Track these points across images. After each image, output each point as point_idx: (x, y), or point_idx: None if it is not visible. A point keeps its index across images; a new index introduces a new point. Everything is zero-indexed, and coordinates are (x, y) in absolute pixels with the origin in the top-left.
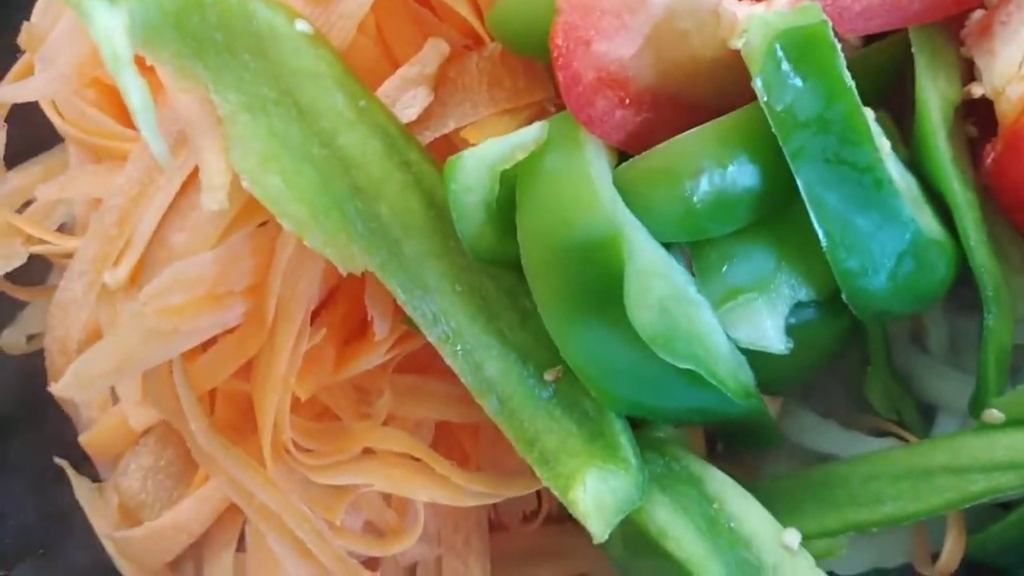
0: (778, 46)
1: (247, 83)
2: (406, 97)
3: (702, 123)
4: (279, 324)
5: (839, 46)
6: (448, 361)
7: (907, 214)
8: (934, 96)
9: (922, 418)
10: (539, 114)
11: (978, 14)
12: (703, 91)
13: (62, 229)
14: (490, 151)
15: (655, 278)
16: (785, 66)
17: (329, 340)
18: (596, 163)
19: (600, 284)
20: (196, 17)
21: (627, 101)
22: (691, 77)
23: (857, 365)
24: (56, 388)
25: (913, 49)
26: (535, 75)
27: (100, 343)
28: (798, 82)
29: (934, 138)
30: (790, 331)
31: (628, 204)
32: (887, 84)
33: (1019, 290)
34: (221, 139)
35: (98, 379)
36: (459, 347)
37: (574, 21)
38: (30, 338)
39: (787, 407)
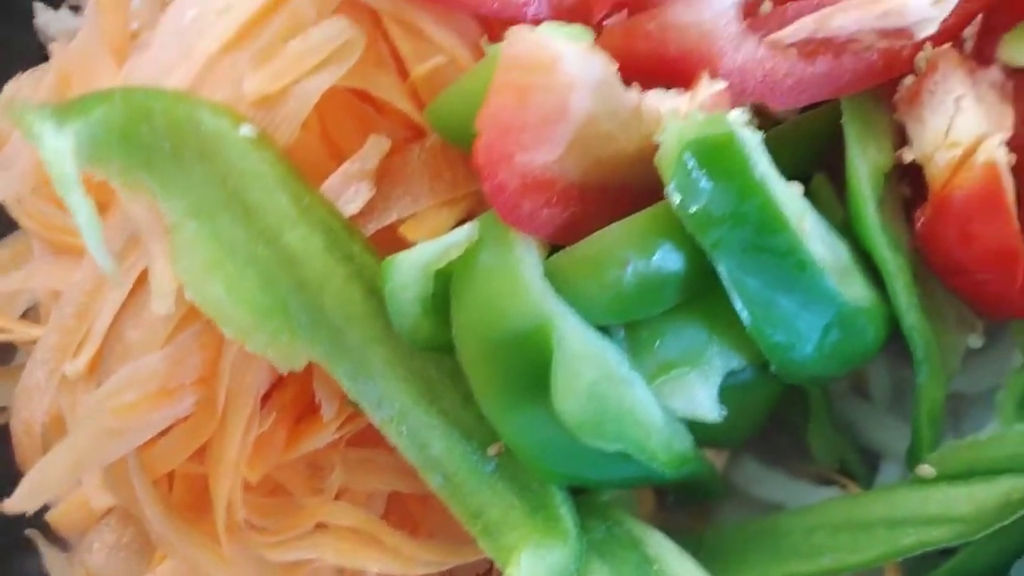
0: (687, 154)
1: (194, 187)
2: (348, 192)
3: (632, 207)
4: (229, 413)
5: (753, 144)
6: (393, 441)
7: (831, 290)
8: (863, 167)
9: (867, 464)
10: (477, 204)
11: (909, 80)
12: (631, 178)
13: (28, 312)
14: (424, 253)
15: (584, 364)
16: (696, 173)
17: (280, 422)
18: (526, 259)
19: (532, 373)
20: (144, 127)
21: (554, 200)
22: (618, 168)
23: (801, 414)
24: (8, 505)
25: (843, 120)
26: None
27: (52, 453)
28: (709, 185)
29: (863, 207)
30: (727, 393)
31: (560, 292)
32: (824, 147)
33: (953, 347)
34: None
35: (52, 487)
36: (404, 427)
37: (494, 140)
38: (1, 411)
39: (734, 457)
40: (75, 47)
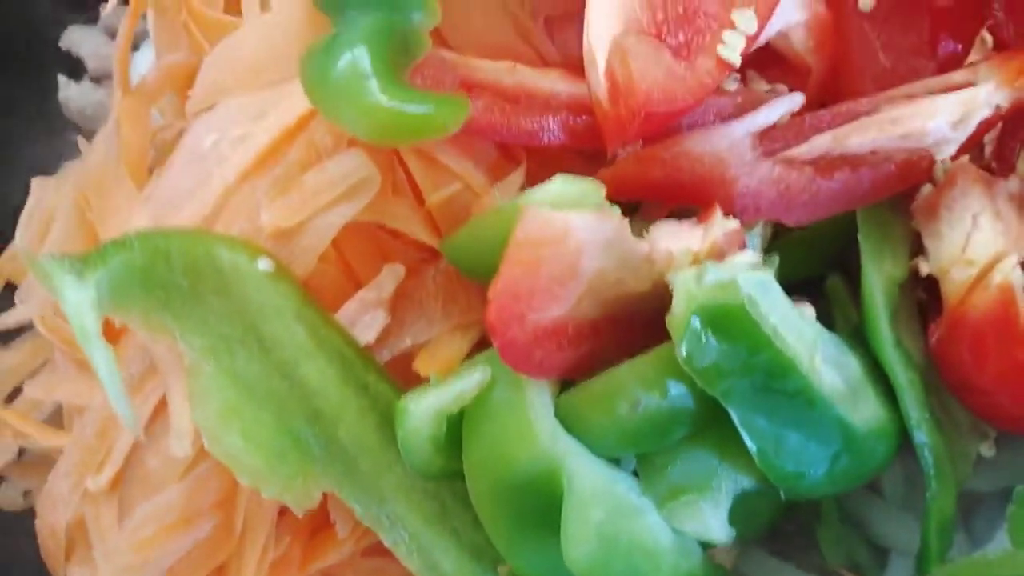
0: (695, 318)
1: (212, 324)
2: (364, 320)
3: (645, 336)
4: (246, 536)
5: (763, 297)
6: (404, 562)
7: (842, 420)
8: (878, 281)
9: (876, 558)
10: None
11: (927, 189)
12: (644, 309)
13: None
14: (436, 399)
15: (594, 506)
16: (705, 335)
17: (295, 541)
18: (537, 401)
19: (542, 512)
20: (162, 267)
21: (565, 344)
22: (630, 303)
23: (811, 504)
24: None
25: (859, 232)
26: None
27: None
28: (719, 346)
29: (877, 324)
30: (737, 502)
31: (571, 429)
32: (840, 247)
33: (964, 455)
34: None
35: None
36: (415, 548)
37: (506, 305)
38: (26, 494)
39: (745, 549)
40: (94, 165)
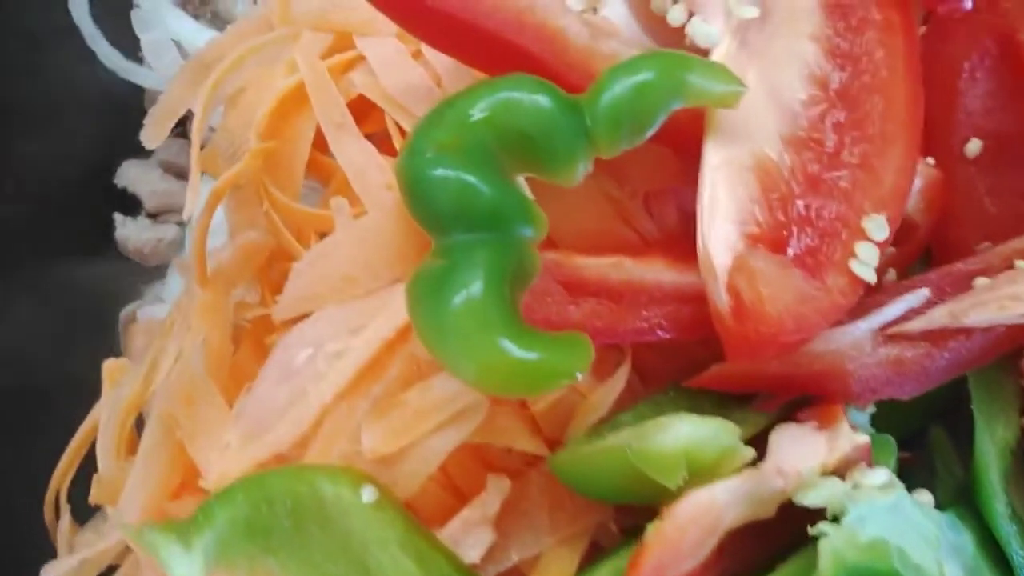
0: None
1: (317, 563)
2: (469, 540)
3: (768, 541)
4: None
5: (905, 539)
6: None
7: None
8: (992, 452)
9: None
10: (600, 533)
11: None
12: (770, 520)
13: None
14: None
15: None
16: None
17: None
18: None
19: None
20: (266, 512)
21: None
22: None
23: None
24: None
25: (973, 402)
26: None
27: None
28: None
29: (992, 501)
30: None
31: None
32: (946, 399)
33: None
34: None
35: None
36: None
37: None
38: None
39: None
40: (178, 377)
